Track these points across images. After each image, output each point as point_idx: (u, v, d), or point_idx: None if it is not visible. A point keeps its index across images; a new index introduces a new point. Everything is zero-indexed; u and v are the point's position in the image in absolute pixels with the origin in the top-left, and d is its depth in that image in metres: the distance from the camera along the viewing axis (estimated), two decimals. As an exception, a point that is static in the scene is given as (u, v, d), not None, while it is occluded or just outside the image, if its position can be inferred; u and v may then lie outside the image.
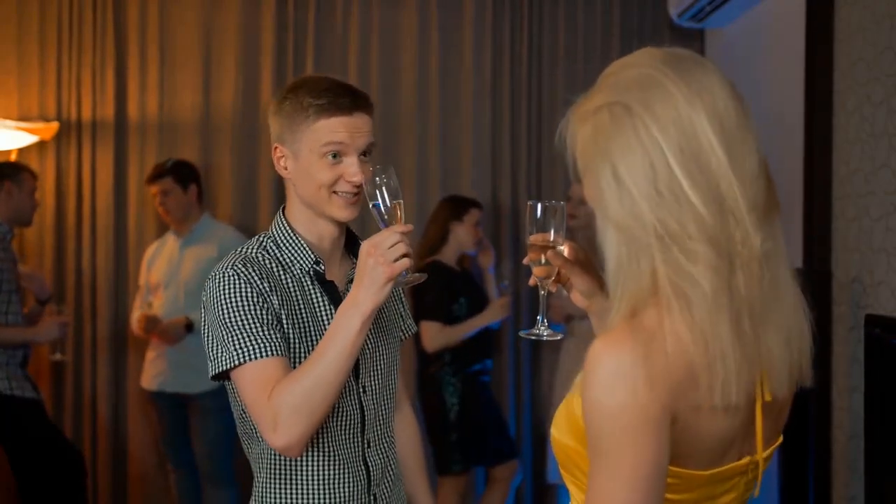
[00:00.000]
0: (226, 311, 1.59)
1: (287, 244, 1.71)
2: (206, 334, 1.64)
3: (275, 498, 1.69)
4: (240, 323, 1.58)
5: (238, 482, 3.75)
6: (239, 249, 1.71)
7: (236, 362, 1.57)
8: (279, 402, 1.52)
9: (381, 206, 1.58)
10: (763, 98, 3.57)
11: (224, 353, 1.58)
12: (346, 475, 1.69)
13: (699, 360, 1.01)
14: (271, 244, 1.72)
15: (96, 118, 4.17)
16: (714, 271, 1.01)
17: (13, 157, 3.97)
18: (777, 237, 1.09)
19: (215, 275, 1.64)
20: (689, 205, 1.02)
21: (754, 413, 1.10)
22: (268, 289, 1.62)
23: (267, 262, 1.68)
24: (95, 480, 4.15)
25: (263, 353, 1.56)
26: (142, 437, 4.20)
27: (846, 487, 2.81)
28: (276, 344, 1.58)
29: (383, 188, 1.58)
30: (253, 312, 1.59)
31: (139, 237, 4.21)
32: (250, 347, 1.56)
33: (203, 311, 1.66)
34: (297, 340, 1.64)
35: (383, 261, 1.51)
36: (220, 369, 1.59)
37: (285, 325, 1.63)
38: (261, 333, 1.58)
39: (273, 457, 1.68)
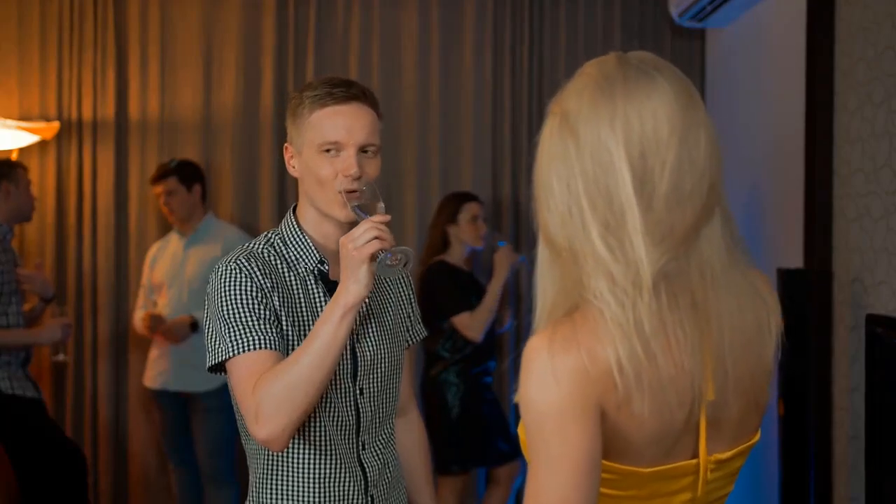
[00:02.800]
0: (225, 304, 1.60)
1: (294, 242, 1.72)
2: (206, 325, 1.65)
3: (271, 495, 1.69)
4: (237, 316, 1.59)
5: (238, 481, 3.75)
6: (246, 245, 1.73)
7: (230, 354, 1.57)
8: (262, 395, 1.52)
9: (360, 210, 1.61)
10: (764, 97, 3.57)
11: (220, 345, 1.59)
12: (342, 475, 1.70)
13: (607, 366, 1.04)
14: (279, 241, 1.73)
15: (97, 118, 4.18)
16: (602, 300, 1.04)
17: (14, 157, 3.97)
18: (703, 252, 1.08)
19: (219, 268, 1.66)
20: (588, 232, 1.05)
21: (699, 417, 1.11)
22: (269, 286, 1.63)
23: (272, 258, 1.69)
24: (97, 479, 4.15)
25: (256, 346, 1.57)
26: (143, 436, 4.20)
27: (847, 488, 2.81)
28: (271, 338, 1.59)
29: (364, 196, 1.62)
30: (251, 307, 1.60)
31: (140, 237, 4.21)
32: (244, 340, 1.57)
33: (206, 302, 1.67)
34: (295, 339, 1.64)
35: (353, 247, 1.52)
36: (216, 361, 1.61)
37: (284, 324, 1.63)
38: (256, 327, 1.58)
39: (269, 454, 1.69)
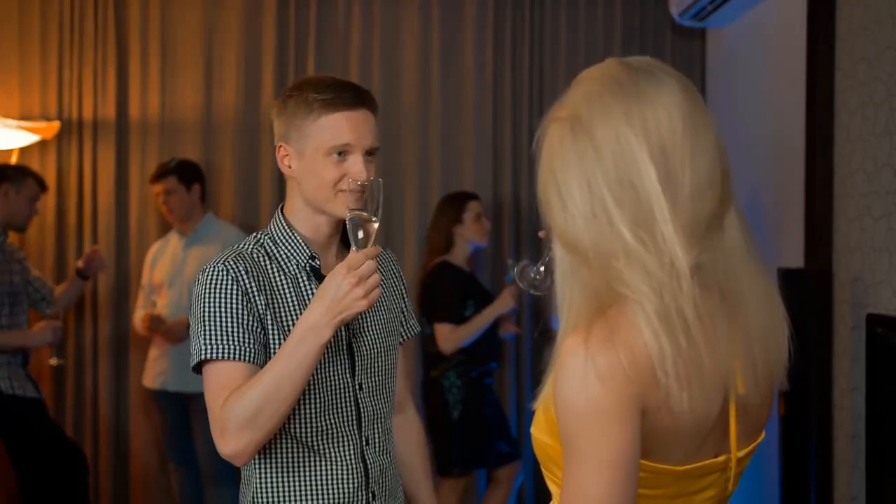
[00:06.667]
0: (206, 305, 1.61)
1: (284, 241, 1.72)
2: (191, 325, 1.66)
3: (268, 494, 1.69)
4: (216, 318, 1.59)
5: (239, 482, 3.75)
6: (235, 246, 1.72)
7: (204, 356, 1.58)
8: (228, 412, 1.53)
9: (362, 221, 1.56)
10: (765, 97, 3.57)
11: (197, 346, 1.60)
12: (343, 472, 1.70)
13: (647, 363, 1.04)
14: (268, 241, 1.73)
15: (97, 117, 4.18)
16: (640, 292, 1.05)
17: (14, 157, 3.97)
18: (727, 242, 1.11)
19: (205, 268, 1.65)
20: (618, 229, 1.06)
21: (728, 413, 1.12)
22: (255, 288, 1.63)
23: (261, 259, 1.69)
24: (97, 479, 4.15)
25: (231, 356, 1.57)
26: (143, 435, 4.20)
27: (847, 487, 2.81)
28: (248, 349, 1.58)
29: (369, 203, 1.57)
30: (232, 310, 1.60)
31: (140, 236, 4.21)
32: (220, 346, 1.58)
33: (191, 303, 1.67)
34: (280, 340, 1.63)
35: (363, 293, 1.50)
36: (194, 362, 1.61)
37: (269, 328, 1.63)
38: (235, 334, 1.58)
39: (269, 451, 1.69)
